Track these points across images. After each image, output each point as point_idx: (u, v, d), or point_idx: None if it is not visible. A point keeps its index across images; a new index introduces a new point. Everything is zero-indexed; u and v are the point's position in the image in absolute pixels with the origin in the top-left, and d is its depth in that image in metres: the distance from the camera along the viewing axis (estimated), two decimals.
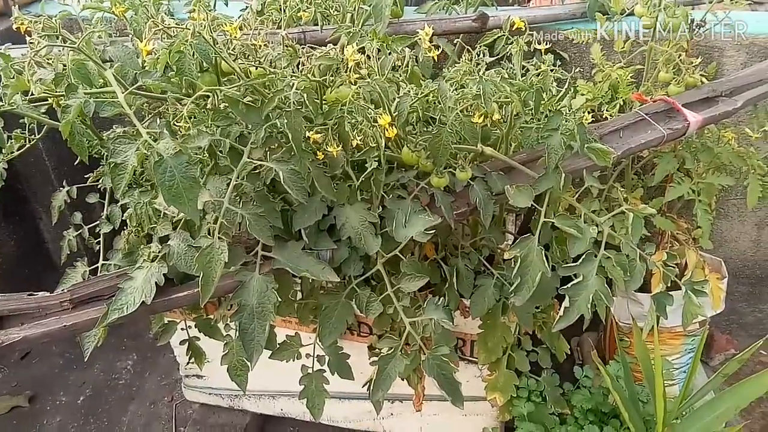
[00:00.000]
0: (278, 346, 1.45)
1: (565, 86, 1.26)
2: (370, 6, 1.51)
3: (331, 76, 1.18)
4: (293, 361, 1.50)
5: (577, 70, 2.17)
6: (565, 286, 1.30)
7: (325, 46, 1.93)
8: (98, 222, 1.50)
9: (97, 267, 1.47)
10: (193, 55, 0.98)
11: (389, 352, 1.22)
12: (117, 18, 1.47)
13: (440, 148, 1.22)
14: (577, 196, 1.39)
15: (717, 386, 1.67)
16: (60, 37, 0.97)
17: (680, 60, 1.68)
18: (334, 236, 1.28)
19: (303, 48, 1.24)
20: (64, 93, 0.96)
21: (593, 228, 1.31)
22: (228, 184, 1.06)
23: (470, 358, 1.78)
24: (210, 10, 1.10)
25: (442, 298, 1.25)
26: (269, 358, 1.44)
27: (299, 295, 1.48)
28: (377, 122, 1.11)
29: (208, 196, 1.01)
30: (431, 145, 1.22)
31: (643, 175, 2.06)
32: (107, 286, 1.17)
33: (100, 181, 1.58)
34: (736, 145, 1.80)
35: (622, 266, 1.32)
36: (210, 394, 2.24)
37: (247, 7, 2.02)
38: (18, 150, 1.71)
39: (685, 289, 1.39)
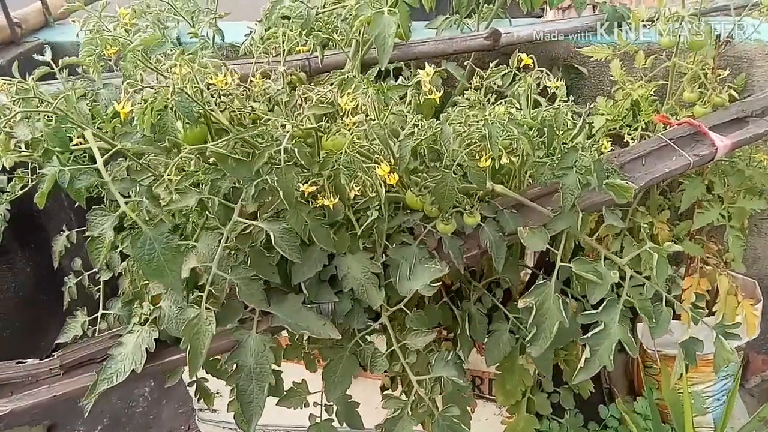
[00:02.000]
0: (285, 393, 1.39)
1: (581, 121, 1.17)
2: (372, 35, 1.43)
3: (327, 121, 1.11)
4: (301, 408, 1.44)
5: (595, 86, 2.09)
6: (585, 336, 1.21)
7: (329, 72, 1.89)
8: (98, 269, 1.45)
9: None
10: (176, 113, 0.92)
11: (396, 413, 1.15)
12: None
13: (445, 194, 1.14)
14: (596, 236, 1.29)
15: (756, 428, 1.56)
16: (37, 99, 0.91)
17: (706, 78, 1.57)
18: (336, 287, 1.21)
19: (299, 90, 1.17)
20: (41, 158, 0.91)
21: (614, 272, 1.22)
22: (220, 242, 0.99)
23: (489, 397, 1.70)
24: (199, 57, 1.04)
25: (452, 353, 1.17)
26: (276, 405, 1.39)
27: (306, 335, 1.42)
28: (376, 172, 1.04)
29: (195, 261, 0.95)
30: (435, 191, 1.14)
31: (670, 194, 1.95)
32: (99, 349, 1.12)
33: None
34: None
35: (646, 313, 1.23)
36: (224, 428, 2.19)
37: (251, 31, 1.97)
38: (21, 190, 1.68)
39: (716, 333, 1.28)
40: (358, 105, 1.01)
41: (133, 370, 1.04)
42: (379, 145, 1.08)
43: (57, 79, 1.47)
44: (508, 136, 1.09)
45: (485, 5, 2.10)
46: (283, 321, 1.13)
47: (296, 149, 0.97)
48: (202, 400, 1.72)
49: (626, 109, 1.75)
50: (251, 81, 1.36)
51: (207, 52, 1.39)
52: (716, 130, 1.50)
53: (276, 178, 0.96)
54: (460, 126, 1.14)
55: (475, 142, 1.14)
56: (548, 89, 1.37)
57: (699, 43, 1.46)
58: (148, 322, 1.07)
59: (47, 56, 1.19)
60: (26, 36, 2.57)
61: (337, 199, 1.06)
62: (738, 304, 1.81)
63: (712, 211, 1.66)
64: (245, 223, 1.00)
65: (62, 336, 1.45)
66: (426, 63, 1.64)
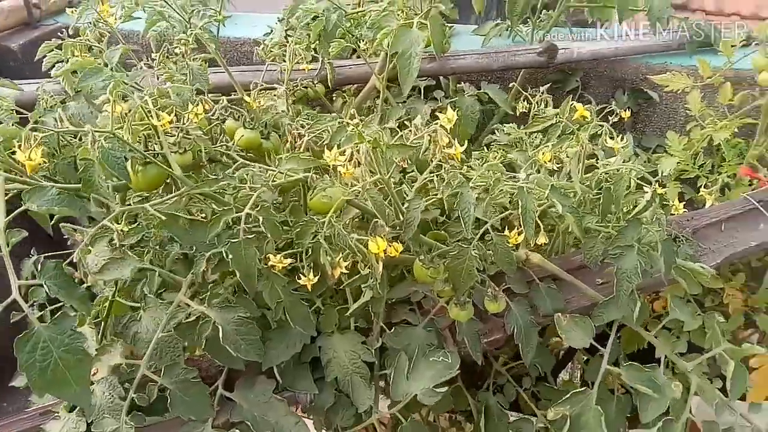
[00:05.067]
0: None
1: (650, 194, 0.88)
2: (394, 51, 1.17)
3: (318, 171, 0.87)
4: None
5: (666, 116, 1.78)
6: None
7: (351, 84, 1.64)
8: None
9: None
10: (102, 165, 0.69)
11: None
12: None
13: (462, 273, 0.88)
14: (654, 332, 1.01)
15: None
16: None
17: None
18: (319, 372, 0.97)
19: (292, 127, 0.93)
20: None
21: (677, 385, 0.94)
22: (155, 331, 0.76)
23: None
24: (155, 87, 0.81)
25: None
26: None
27: None
28: (368, 248, 0.79)
29: (119, 357, 0.72)
30: (451, 269, 0.88)
31: None
32: (24, 428, 0.92)
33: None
34: None
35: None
36: None
37: (271, 30, 1.74)
38: None
39: None
40: (351, 159, 0.76)
41: None
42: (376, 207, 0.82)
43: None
44: (548, 207, 0.82)
45: (543, 11, 1.81)
46: (246, 415, 0.90)
47: (261, 217, 0.73)
48: None
49: (702, 152, 1.44)
50: (245, 101, 1.13)
51: (201, 56, 1.16)
52: None
53: (231, 255, 0.73)
54: (485, 182, 0.88)
55: (506, 208, 0.87)
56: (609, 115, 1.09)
57: None
58: (75, 410, 0.86)
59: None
60: (46, 18, 2.40)
61: (316, 279, 0.82)
62: None
63: None
64: (188, 308, 0.77)
65: (16, 380, 1.27)
66: (465, 85, 1.38)
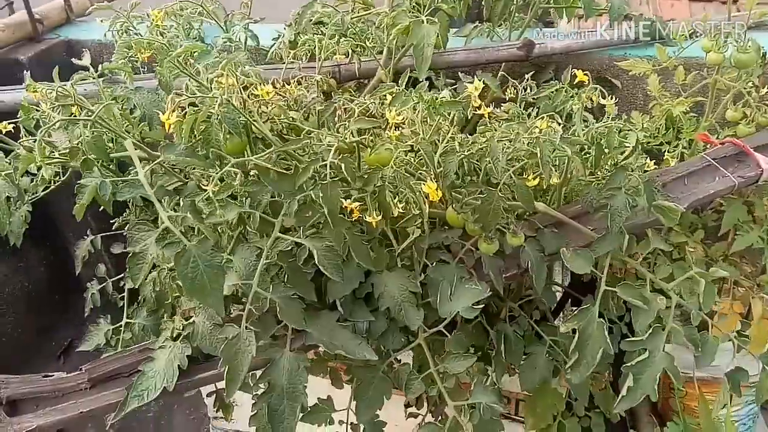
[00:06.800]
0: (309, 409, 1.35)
1: (634, 141, 1.12)
2: (411, 43, 1.39)
3: (370, 135, 1.07)
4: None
5: (627, 100, 2.04)
6: (628, 364, 1.17)
7: (362, 80, 1.84)
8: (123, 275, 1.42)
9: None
10: (221, 125, 0.88)
11: None
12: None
13: (490, 213, 1.09)
14: (641, 259, 1.25)
15: None
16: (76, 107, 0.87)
17: (751, 97, 1.52)
18: (371, 305, 1.17)
19: (338, 101, 1.13)
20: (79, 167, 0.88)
21: (661, 299, 1.17)
22: (258, 256, 0.95)
23: (516, 418, 1.66)
24: (239, 67, 1.00)
25: (488, 377, 1.13)
26: (300, 420, 1.34)
27: None
28: (421, 189, 1.00)
29: (236, 278, 0.91)
30: (480, 209, 1.10)
31: (702, 213, 1.90)
32: (128, 363, 1.09)
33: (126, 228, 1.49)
34: None
35: (693, 341, 1.18)
36: None
37: (279, 36, 1.93)
38: (43, 191, 1.64)
39: (762, 364, 1.24)
40: (405, 119, 0.96)
41: (164, 387, 1.01)
42: (424, 160, 1.03)
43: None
44: (559, 155, 1.04)
45: (517, 14, 2.06)
46: (317, 339, 1.09)
47: (343, 164, 0.93)
48: (220, 410, 1.69)
49: (664, 126, 1.71)
50: (286, 89, 1.32)
51: (242, 56, 1.34)
52: (761, 151, 1.45)
53: (321, 194, 0.92)
54: (508, 141, 1.10)
55: (523, 160, 1.09)
56: (587, 104, 1.33)
57: (747, 60, 1.41)
58: (180, 338, 1.03)
59: (85, 60, 1.14)
60: (47, 32, 2.53)
61: (380, 216, 1.02)
62: None
63: (751, 234, 1.61)
64: (287, 239, 0.96)
65: (84, 344, 1.41)
66: (461, 74, 1.60)
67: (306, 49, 1.68)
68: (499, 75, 1.90)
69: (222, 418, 2.14)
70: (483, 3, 2.07)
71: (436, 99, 0.96)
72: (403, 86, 1.64)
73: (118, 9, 1.66)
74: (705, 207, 1.87)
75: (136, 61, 1.46)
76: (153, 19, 1.34)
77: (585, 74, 1.17)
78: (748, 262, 1.91)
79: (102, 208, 1.33)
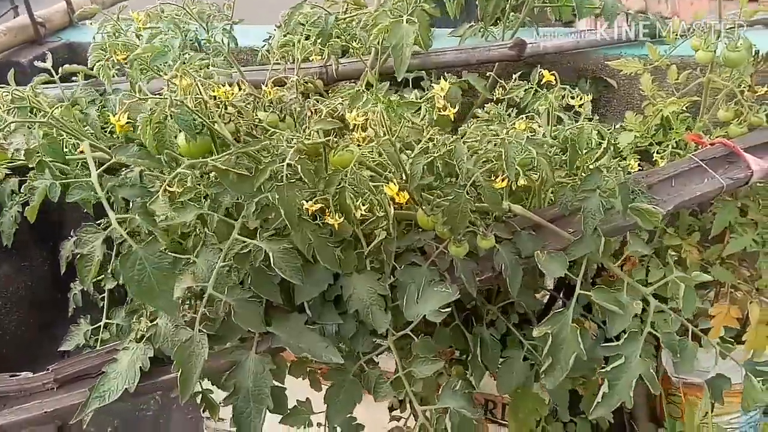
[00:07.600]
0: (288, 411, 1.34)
1: (605, 142, 1.10)
2: (390, 44, 1.38)
3: (336, 136, 1.06)
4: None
5: (624, 100, 2.00)
6: (604, 369, 1.14)
7: (348, 80, 1.83)
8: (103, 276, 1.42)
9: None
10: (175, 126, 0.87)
11: None
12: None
13: (458, 215, 1.08)
14: (620, 262, 1.22)
15: None
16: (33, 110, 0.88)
17: (743, 97, 1.48)
18: (341, 307, 1.16)
19: (309, 102, 1.12)
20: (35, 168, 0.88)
21: (638, 303, 1.15)
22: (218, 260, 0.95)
23: (501, 422, 1.63)
24: (204, 67, 1.00)
25: (461, 381, 1.11)
26: (279, 423, 1.34)
27: None
28: (384, 191, 0.99)
29: (191, 280, 0.90)
30: (448, 211, 1.08)
31: (700, 215, 1.86)
32: (94, 364, 1.09)
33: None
34: None
35: (671, 347, 1.15)
36: None
37: (270, 36, 1.93)
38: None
39: (746, 371, 1.20)
40: (367, 120, 0.95)
41: (126, 388, 1.01)
42: (388, 162, 1.02)
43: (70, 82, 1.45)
44: (527, 156, 1.02)
45: (512, 13, 2.04)
46: (284, 342, 1.09)
47: (300, 166, 0.92)
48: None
49: (656, 126, 1.67)
50: (263, 90, 1.32)
51: (218, 59, 1.35)
52: (752, 152, 1.41)
53: (277, 196, 0.91)
54: (476, 143, 1.08)
55: (492, 161, 1.07)
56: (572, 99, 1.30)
57: (737, 59, 1.37)
58: (143, 339, 1.03)
59: (48, 62, 1.15)
60: (49, 35, 2.57)
61: (342, 219, 1.01)
62: None
63: (745, 236, 1.56)
64: (244, 242, 0.95)
65: (65, 344, 1.42)
66: (443, 75, 1.58)
67: (292, 51, 1.68)
68: (490, 75, 1.88)
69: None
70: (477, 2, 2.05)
71: (395, 101, 0.94)
72: (387, 89, 1.64)
73: (106, 12, 1.67)
74: (704, 209, 1.83)
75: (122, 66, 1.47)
76: (135, 21, 1.34)
77: (556, 70, 1.14)
78: (747, 265, 1.86)
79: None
